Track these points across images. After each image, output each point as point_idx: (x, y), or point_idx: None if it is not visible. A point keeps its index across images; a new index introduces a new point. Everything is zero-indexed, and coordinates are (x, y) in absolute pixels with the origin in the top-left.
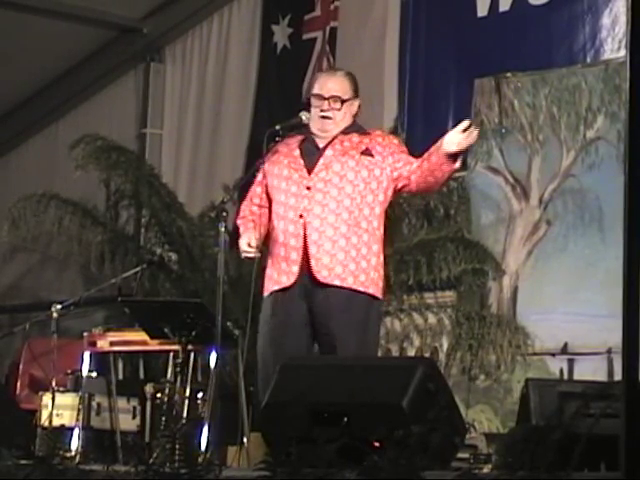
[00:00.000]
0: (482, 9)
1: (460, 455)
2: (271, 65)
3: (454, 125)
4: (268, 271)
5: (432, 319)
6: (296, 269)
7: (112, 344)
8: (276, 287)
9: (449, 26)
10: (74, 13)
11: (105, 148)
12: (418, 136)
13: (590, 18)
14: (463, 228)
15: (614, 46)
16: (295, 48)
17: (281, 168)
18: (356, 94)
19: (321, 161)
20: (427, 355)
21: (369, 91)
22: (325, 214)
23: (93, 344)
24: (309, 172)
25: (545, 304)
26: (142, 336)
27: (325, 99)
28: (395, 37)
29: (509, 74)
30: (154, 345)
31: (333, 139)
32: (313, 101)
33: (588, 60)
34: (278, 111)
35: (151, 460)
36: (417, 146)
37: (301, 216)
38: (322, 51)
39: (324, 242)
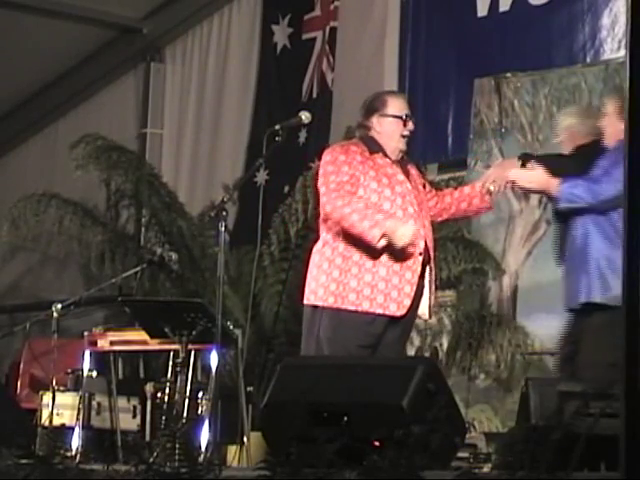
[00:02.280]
0: (482, 9)
1: (460, 454)
2: (271, 65)
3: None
4: (354, 284)
5: (432, 319)
6: (408, 302)
7: (112, 343)
8: (380, 311)
9: (449, 26)
10: (74, 13)
11: (105, 148)
12: (418, 136)
13: (590, 18)
14: (463, 228)
15: (614, 46)
16: (295, 48)
17: (395, 195)
18: None
19: (417, 199)
20: (427, 355)
21: (369, 91)
22: (430, 250)
23: (93, 343)
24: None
25: (545, 304)
26: (142, 335)
27: (410, 119)
28: (395, 37)
29: (509, 74)
30: (154, 344)
31: (402, 167)
32: (392, 122)
33: (588, 60)
34: (278, 111)
35: (151, 459)
36: (417, 146)
37: (420, 254)
38: (322, 51)
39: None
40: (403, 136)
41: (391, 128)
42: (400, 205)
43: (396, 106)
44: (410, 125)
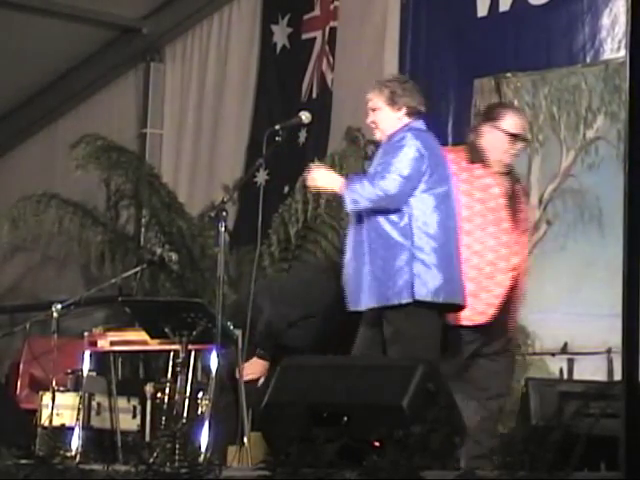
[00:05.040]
0: (482, 9)
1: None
2: (271, 65)
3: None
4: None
5: None
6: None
7: (112, 344)
8: (466, 322)
9: (449, 26)
10: (74, 13)
11: (105, 148)
12: None
13: (590, 18)
14: None
15: (614, 46)
16: (294, 48)
17: (487, 210)
18: None
19: (515, 215)
20: None
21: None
22: (521, 267)
23: (93, 344)
24: None
25: (545, 304)
26: (142, 336)
27: (523, 140)
28: (395, 37)
29: (509, 74)
30: (154, 345)
31: (508, 180)
32: (501, 137)
33: (588, 60)
34: (278, 111)
35: (151, 460)
36: None
37: (512, 269)
38: (322, 51)
39: None
40: (512, 154)
41: (499, 142)
42: (492, 220)
43: (511, 123)
44: (520, 145)
